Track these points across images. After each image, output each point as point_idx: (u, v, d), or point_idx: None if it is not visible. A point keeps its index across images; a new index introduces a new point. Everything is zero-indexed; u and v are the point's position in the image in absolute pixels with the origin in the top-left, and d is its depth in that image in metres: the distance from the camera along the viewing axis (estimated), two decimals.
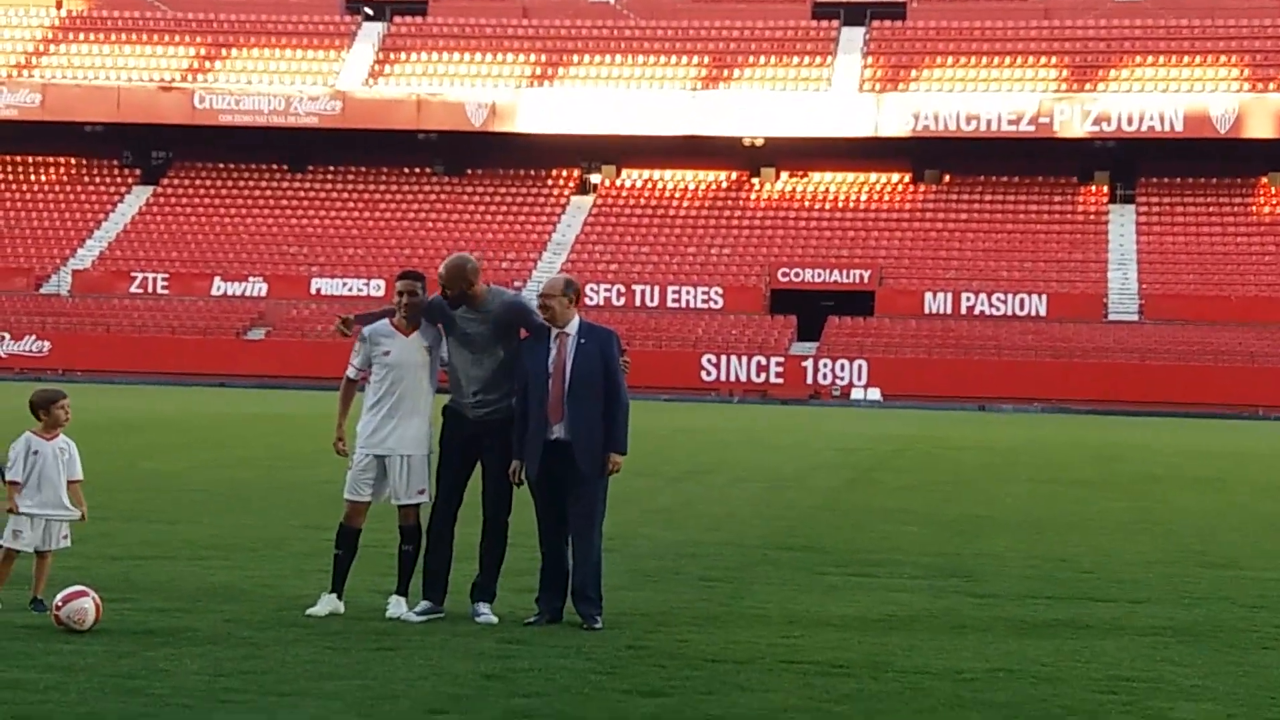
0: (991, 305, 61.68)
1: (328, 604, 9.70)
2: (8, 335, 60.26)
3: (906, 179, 68.90)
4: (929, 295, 62.08)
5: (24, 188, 70.85)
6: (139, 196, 70.34)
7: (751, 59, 69.28)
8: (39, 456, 9.55)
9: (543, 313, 9.65)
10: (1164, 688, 8.16)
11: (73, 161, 71.97)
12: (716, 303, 62.67)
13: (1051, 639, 9.49)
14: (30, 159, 71.93)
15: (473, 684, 7.79)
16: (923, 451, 29.22)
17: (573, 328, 9.67)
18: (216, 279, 64.43)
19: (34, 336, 60.35)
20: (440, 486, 9.82)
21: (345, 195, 69.93)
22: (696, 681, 7.98)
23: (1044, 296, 61.64)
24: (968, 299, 61.87)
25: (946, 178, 68.93)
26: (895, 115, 65.92)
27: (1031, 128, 65.20)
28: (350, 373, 9.90)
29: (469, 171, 70.94)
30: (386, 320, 9.85)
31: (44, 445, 9.59)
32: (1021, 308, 61.49)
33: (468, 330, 9.75)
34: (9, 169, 71.69)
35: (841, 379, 58.15)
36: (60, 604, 8.88)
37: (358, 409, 9.93)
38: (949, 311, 61.68)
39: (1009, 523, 16.49)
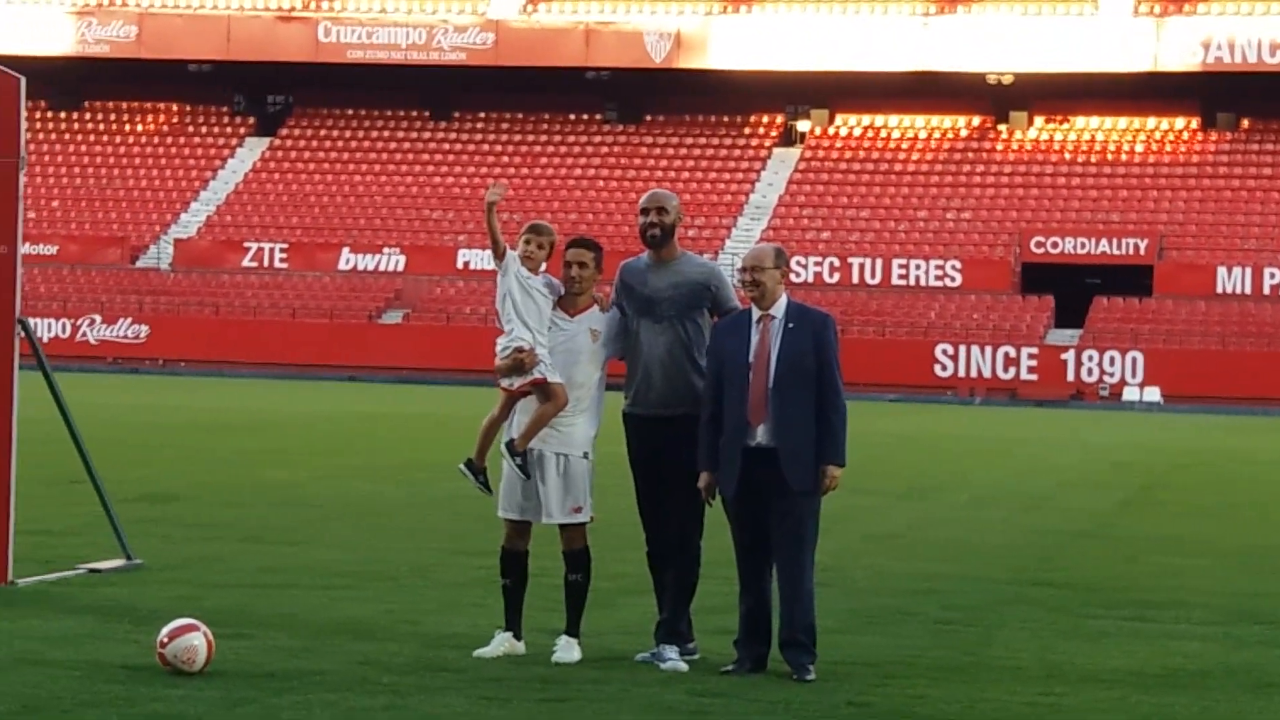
0: None
1: (501, 643, 9.87)
2: (98, 318, 61.77)
3: (1194, 124, 67.72)
4: (1222, 271, 60.94)
5: (117, 141, 72.55)
6: (253, 150, 71.76)
7: None
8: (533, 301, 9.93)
9: (749, 290, 9.70)
10: None
11: (174, 108, 73.59)
12: (954, 279, 62.19)
13: None
14: (124, 106, 73.63)
15: None
16: (1214, 466, 28.76)
17: (779, 309, 9.70)
18: (345, 250, 65.51)
19: (129, 319, 61.83)
20: (644, 518, 9.98)
21: (498, 147, 70.65)
22: None
23: None
24: (1272, 275, 60.64)
25: (1245, 123, 67.61)
26: (1180, 44, 64.80)
27: None
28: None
29: (648, 118, 71.24)
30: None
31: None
32: None
33: (651, 293, 9.89)
34: (99, 118, 73.44)
35: (1111, 375, 57.36)
36: (165, 640, 9.12)
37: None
38: (1248, 291, 60.49)
39: None
